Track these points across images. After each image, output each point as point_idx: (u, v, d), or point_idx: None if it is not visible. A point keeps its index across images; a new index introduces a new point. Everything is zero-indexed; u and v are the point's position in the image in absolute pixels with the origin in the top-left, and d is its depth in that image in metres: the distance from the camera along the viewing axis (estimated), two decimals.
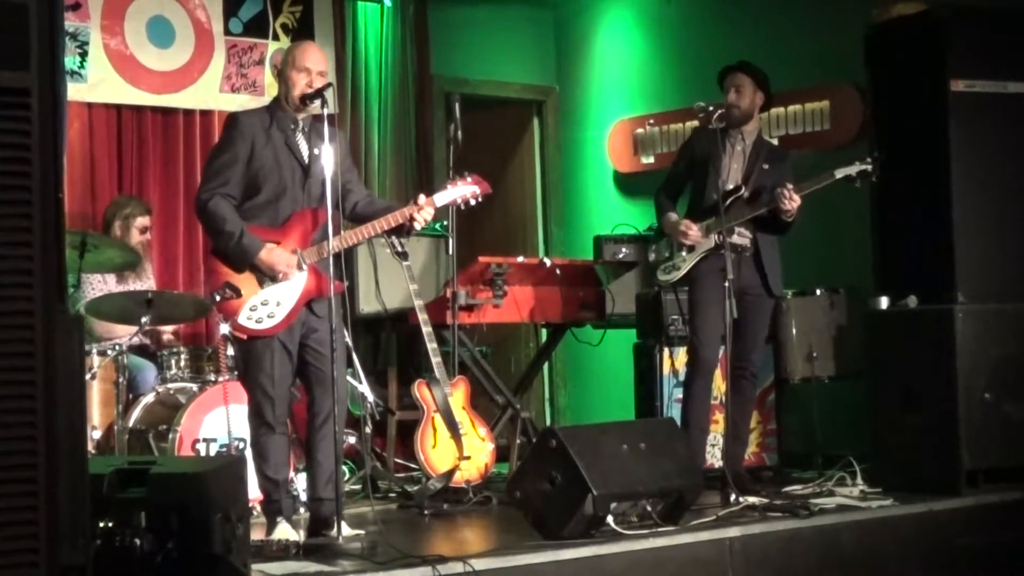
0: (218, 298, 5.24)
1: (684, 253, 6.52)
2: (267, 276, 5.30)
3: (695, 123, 8.60)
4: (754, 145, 6.61)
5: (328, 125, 5.22)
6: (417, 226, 5.47)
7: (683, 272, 6.51)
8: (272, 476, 5.33)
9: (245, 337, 5.29)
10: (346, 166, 5.56)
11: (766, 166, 6.53)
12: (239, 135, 5.33)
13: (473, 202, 5.72)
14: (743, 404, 6.59)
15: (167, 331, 7.18)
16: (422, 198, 5.47)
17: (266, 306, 5.28)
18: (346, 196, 5.45)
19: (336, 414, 5.17)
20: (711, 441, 6.92)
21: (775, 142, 7.61)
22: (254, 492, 5.30)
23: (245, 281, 5.29)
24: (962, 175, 6.53)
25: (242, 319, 5.26)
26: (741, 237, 6.48)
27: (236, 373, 5.73)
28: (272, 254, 5.27)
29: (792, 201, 6.29)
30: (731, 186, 6.50)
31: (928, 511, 6.04)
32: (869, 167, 6.41)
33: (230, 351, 6.31)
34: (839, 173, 6.42)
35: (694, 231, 6.45)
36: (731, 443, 6.43)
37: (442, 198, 5.63)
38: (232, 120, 5.44)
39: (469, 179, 5.70)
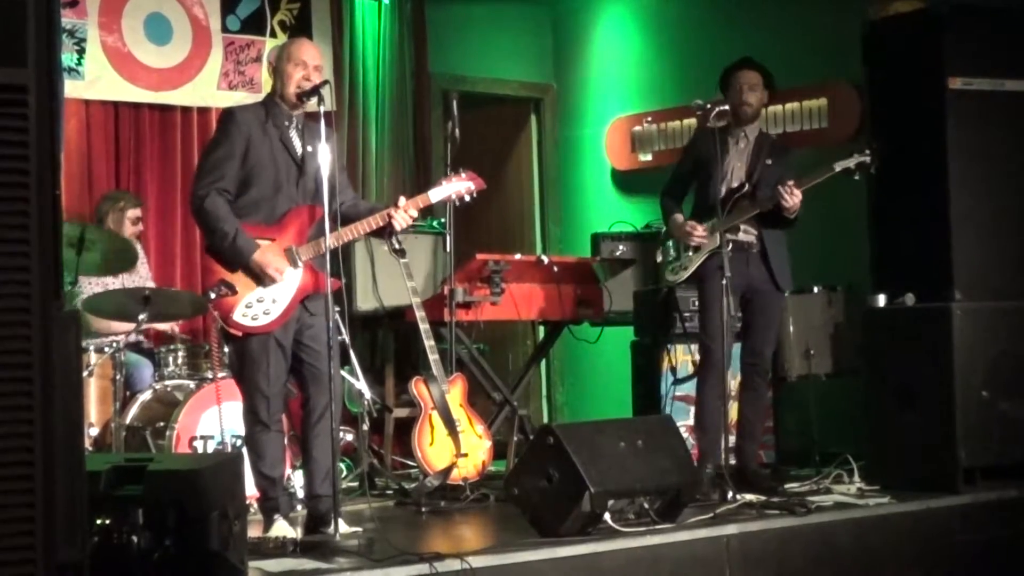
0: (213, 296, 5.24)
1: (691, 253, 6.49)
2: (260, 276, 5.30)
3: (692, 121, 8.62)
4: (756, 141, 6.59)
5: (324, 123, 5.22)
6: (397, 227, 5.44)
7: (690, 272, 6.48)
8: (268, 474, 5.33)
9: (241, 335, 5.29)
10: (337, 166, 5.55)
11: (769, 161, 6.50)
12: (235, 129, 5.32)
13: (468, 198, 5.72)
14: (756, 400, 6.58)
15: (165, 327, 7.17)
16: (402, 200, 5.46)
17: (261, 303, 5.28)
18: (338, 195, 5.44)
19: (332, 411, 5.18)
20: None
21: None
22: (251, 489, 5.30)
23: (240, 278, 5.28)
24: (959, 172, 6.54)
25: (237, 316, 5.26)
26: (747, 235, 6.46)
27: (231, 371, 5.73)
28: (264, 256, 5.26)
29: (793, 196, 6.27)
30: (735, 184, 6.49)
31: (925, 509, 6.05)
32: (868, 159, 6.39)
33: (225, 348, 6.31)
34: (838, 166, 6.40)
35: (699, 231, 6.41)
36: (745, 440, 6.44)
37: (436, 194, 5.63)
38: (228, 115, 5.44)
39: (464, 175, 5.71)
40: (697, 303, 6.69)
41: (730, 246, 6.34)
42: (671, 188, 6.75)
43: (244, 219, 5.28)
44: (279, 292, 5.30)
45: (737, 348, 6.60)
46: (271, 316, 5.28)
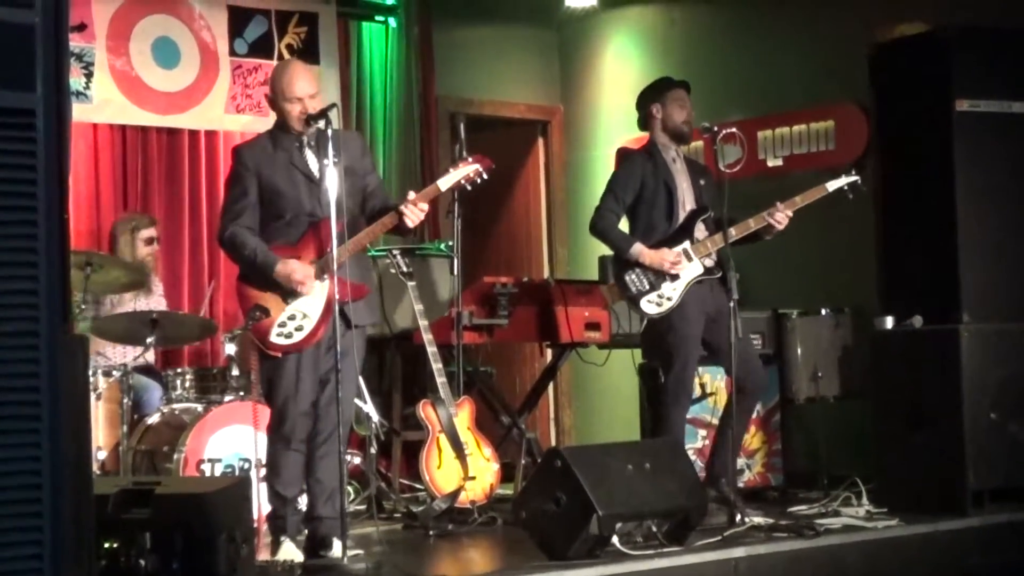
0: (251, 322, 5.28)
1: (670, 282, 6.32)
2: (288, 291, 5.32)
3: (699, 143, 8.63)
4: (685, 162, 6.55)
5: (332, 142, 5.21)
6: (409, 223, 5.41)
7: (675, 303, 6.29)
8: (282, 492, 5.33)
9: (280, 355, 5.29)
10: (367, 168, 5.57)
11: (702, 182, 6.47)
12: (244, 169, 5.41)
13: (479, 180, 5.60)
14: (746, 417, 6.53)
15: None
16: (411, 194, 5.43)
17: (293, 320, 5.31)
18: (369, 198, 5.49)
19: (341, 433, 5.16)
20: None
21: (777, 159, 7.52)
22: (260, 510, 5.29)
23: (271, 301, 5.33)
24: (966, 194, 6.53)
25: (273, 337, 5.29)
26: (711, 259, 6.39)
27: (261, 388, 5.68)
28: (287, 266, 5.30)
29: (786, 219, 6.25)
30: (690, 207, 6.42)
31: (933, 531, 6.03)
32: (858, 179, 6.37)
33: (235, 371, 6.32)
34: (831, 186, 6.36)
35: (681, 258, 6.29)
36: (734, 461, 6.35)
37: (446, 182, 5.55)
38: (235, 155, 5.53)
39: (470, 159, 5.64)
40: (664, 334, 6.38)
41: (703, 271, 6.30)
42: (612, 216, 6.52)
43: (272, 243, 5.36)
44: (309, 307, 5.32)
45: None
46: (304, 332, 5.29)
